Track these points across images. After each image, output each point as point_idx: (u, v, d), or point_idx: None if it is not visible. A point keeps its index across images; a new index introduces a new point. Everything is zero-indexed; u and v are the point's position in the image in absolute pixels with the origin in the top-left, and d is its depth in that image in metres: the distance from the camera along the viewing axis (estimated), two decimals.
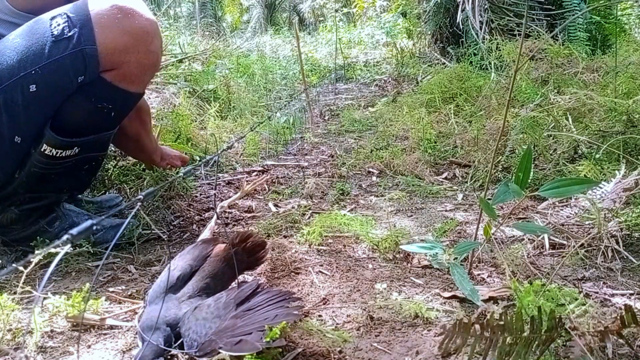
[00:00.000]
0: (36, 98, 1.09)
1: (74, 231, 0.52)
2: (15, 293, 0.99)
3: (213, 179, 1.90)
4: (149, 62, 1.18)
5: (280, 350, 0.83)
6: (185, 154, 1.89)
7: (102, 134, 1.22)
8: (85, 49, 1.08)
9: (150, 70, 1.21)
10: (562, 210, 1.43)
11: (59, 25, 1.08)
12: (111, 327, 0.94)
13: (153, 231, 1.38)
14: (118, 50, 1.11)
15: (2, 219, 1.23)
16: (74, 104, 1.13)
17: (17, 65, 1.07)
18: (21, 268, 1.05)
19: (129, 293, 1.08)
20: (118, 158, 1.72)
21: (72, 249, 1.22)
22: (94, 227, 0.55)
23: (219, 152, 1.25)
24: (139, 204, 0.66)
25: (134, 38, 1.12)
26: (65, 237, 0.52)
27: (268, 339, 0.75)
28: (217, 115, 2.47)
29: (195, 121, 2.30)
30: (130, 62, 1.14)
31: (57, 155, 1.15)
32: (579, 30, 2.95)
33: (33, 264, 0.96)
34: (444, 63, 3.65)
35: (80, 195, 1.50)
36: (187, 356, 0.82)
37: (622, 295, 1.01)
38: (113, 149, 1.71)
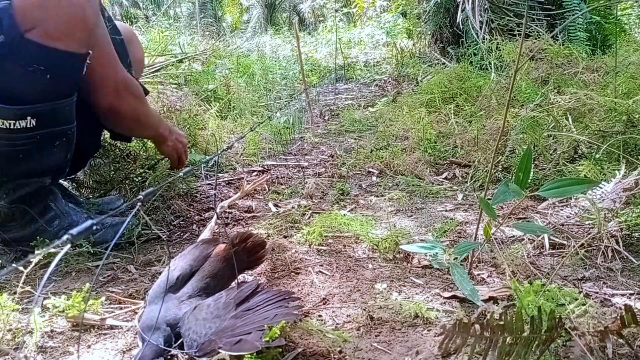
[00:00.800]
0: None
1: (74, 231, 0.52)
2: (15, 293, 0.99)
3: (213, 179, 1.90)
4: (73, 15, 1.11)
5: (280, 350, 0.83)
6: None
7: (55, 102, 1.17)
8: None
9: (78, 25, 1.13)
10: (562, 210, 1.43)
11: None
12: (111, 327, 0.94)
13: (153, 231, 1.38)
14: (36, 6, 1.07)
15: None
16: (5, 69, 1.09)
17: None
18: (21, 268, 1.06)
19: (129, 293, 1.08)
20: (121, 162, 1.71)
21: (72, 249, 1.22)
22: (94, 227, 0.55)
23: (219, 152, 1.24)
24: (139, 203, 0.66)
25: None
26: (65, 237, 0.52)
27: (267, 339, 0.75)
28: (217, 115, 2.47)
29: (196, 121, 2.30)
30: (51, 18, 1.08)
31: (12, 127, 1.11)
32: (579, 30, 2.95)
33: (33, 264, 0.97)
34: (444, 63, 3.65)
35: (80, 197, 1.49)
36: (187, 356, 0.82)
37: (622, 295, 1.01)
38: (121, 149, 1.70)
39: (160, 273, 1.09)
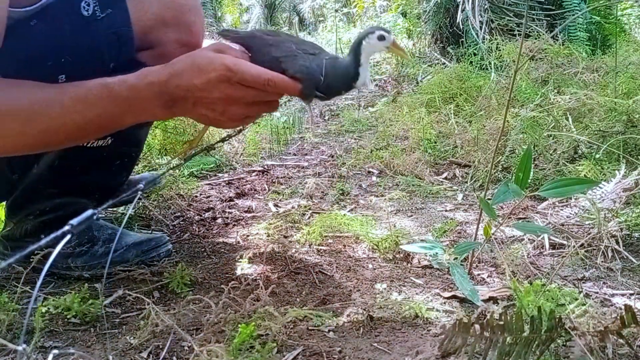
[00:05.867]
0: None
1: (74, 221, 0.51)
2: (15, 293, 0.99)
3: (213, 179, 1.90)
4: (190, 43, 1.02)
5: (280, 349, 0.84)
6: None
7: (140, 126, 1.05)
8: (119, 30, 0.95)
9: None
10: (562, 210, 1.43)
11: (88, 6, 0.92)
12: (111, 327, 0.94)
13: (153, 231, 1.38)
14: (156, 27, 0.99)
15: (15, 230, 1.12)
16: None
17: (43, 54, 0.90)
18: (21, 268, 1.05)
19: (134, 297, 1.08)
20: None
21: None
22: (94, 216, 0.54)
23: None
24: (140, 193, 0.66)
25: (174, 14, 1.00)
26: (65, 227, 0.50)
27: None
28: None
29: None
30: (169, 42, 1.01)
31: (88, 145, 1.03)
32: (579, 30, 2.95)
33: (33, 263, 0.97)
34: (444, 63, 3.65)
35: None
36: None
37: (622, 295, 1.01)
38: None
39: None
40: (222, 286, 1.08)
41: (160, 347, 0.87)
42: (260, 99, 0.86)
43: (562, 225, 1.34)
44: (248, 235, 1.34)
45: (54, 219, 1.11)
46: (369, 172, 1.96)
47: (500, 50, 2.76)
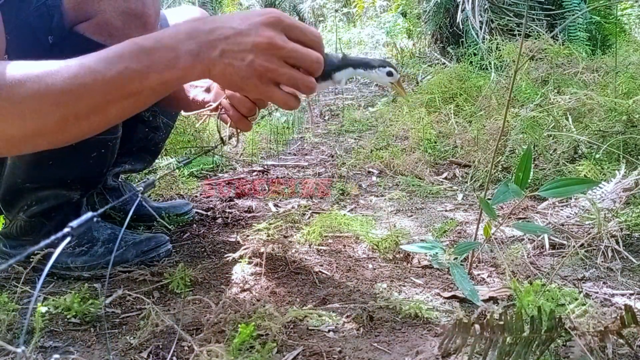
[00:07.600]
0: None
1: (74, 223, 0.50)
2: (15, 293, 0.99)
3: (213, 179, 1.90)
4: (131, 9, 0.95)
5: (280, 350, 0.84)
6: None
7: None
8: (47, 1, 0.93)
9: (135, 21, 0.96)
10: (562, 210, 1.43)
11: None
12: (111, 327, 0.94)
13: (153, 231, 1.38)
14: None
15: (12, 228, 1.13)
16: None
17: None
18: (21, 268, 1.06)
19: (134, 297, 1.08)
20: None
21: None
22: (94, 219, 0.53)
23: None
24: (140, 195, 0.65)
25: None
26: (65, 229, 0.49)
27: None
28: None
29: (195, 121, 2.30)
30: (106, 10, 0.94)
31: None
32: (579, 30, 2.95)
33: (33, 263, 0.96)
34: (444, 63, 3.65)
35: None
36: None
37: (622, 295, 1.01)
38: None
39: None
40: (222, 286, 1.08)
41: (160, 347, 0.87)
42: (299, 62, 0.74)
43: (562, 225, 1.34)
44: (248, 235, 1.34)
45: (40, 212, 1.10)
46: (369, 172, 1.96)
47: (500, 50, 2.76)
